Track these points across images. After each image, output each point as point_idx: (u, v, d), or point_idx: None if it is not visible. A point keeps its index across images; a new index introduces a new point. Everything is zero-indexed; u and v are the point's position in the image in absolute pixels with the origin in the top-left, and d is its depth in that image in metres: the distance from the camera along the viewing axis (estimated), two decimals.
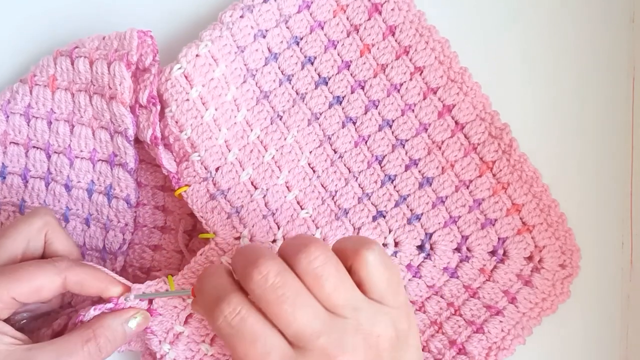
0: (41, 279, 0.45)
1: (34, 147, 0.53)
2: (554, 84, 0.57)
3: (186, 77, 0.50)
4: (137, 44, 0.50)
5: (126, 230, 0.53)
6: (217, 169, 0.52)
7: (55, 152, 0.53)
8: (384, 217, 0.54)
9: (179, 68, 0.50)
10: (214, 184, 0.52)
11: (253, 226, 0.52)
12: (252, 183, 0.53)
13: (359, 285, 0.43)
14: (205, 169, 0.52)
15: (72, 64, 0.51)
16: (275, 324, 0.41)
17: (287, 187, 0.54)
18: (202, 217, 0.52)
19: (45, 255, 0.48)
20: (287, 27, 0.53)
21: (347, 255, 0.43)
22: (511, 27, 0.57)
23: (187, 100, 0.50)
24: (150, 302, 0.49)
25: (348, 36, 0.54)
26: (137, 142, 0.52)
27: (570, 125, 0.57)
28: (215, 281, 0.43)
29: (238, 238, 0.52)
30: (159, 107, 0.50)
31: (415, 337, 0.45)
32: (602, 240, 0.57)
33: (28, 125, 0.53)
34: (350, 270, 0.43)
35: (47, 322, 0.50)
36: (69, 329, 0.48)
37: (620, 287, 0.56)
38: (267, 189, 0.53)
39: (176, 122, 0.51)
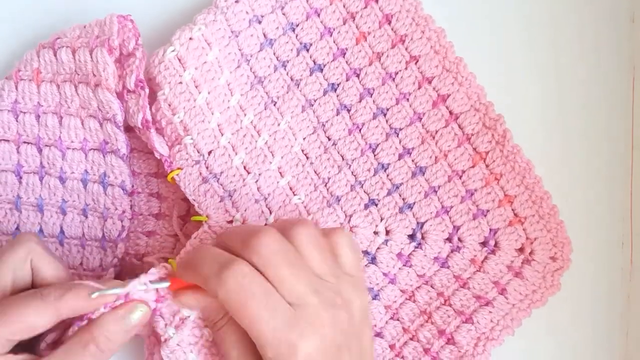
0: (31, 317, 0.44)
1: (24, 142, 0.53)
2: (554, 83, 0.57)
3: (179, 60, 0.50)
4: (118, 28, 0.50)
5: (124, 217, 0.53)
6: (209, 153, 0.52)
7: (46, 145, 0.53)
8: (376, 205, 0.54)
9: (172, 50, 0.50)
10: (207, 167, 0.52)
11: (245, 210, 0.53)
12: (244, 167, 0.53)
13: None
14: (198, 152, 0.52)
15: (55, 55, 0.51)
16: (276, 286, 0.44)
17: (280, 172, 0.54)
18: (194, 200, 0.52)
19: (34, 284, 0.46)
20: (283, 14, 0.54)
21: (325, 234, 0.48)
22: (510, 23, 0.57)
23: (180, 83, 0.51)
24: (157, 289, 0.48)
25: (344, 24, 0.54)
26: (128, 130, 0.52)
27: (570, 125, 0.57)
28: (213, 253, 0.46)
29: (231, 221, 0.52)
30: (147, 91, 0.50)
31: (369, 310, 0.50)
32: (602, 240, 0.57)
33: (17, 121, 0.52)
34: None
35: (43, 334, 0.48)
36: (72, 332, 0.47)
37: (620, 287, 0.56)
38: (259, 174, 0.53)
39: (169, 105, 0.51)
